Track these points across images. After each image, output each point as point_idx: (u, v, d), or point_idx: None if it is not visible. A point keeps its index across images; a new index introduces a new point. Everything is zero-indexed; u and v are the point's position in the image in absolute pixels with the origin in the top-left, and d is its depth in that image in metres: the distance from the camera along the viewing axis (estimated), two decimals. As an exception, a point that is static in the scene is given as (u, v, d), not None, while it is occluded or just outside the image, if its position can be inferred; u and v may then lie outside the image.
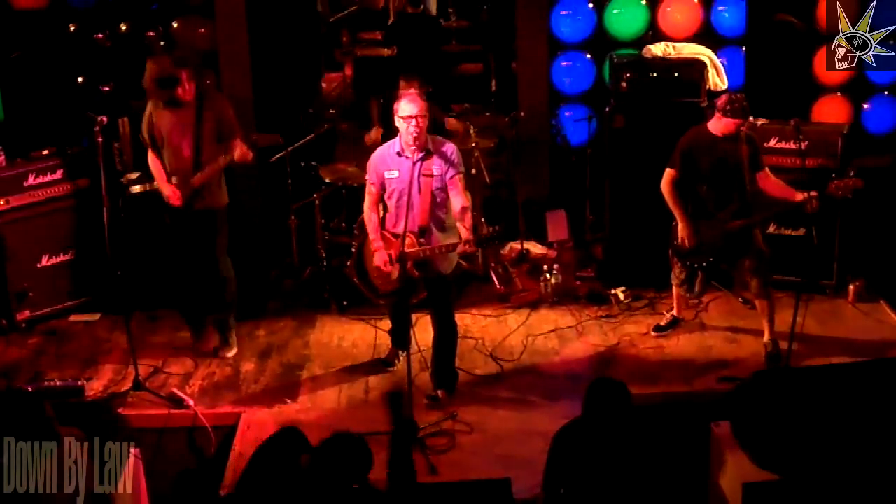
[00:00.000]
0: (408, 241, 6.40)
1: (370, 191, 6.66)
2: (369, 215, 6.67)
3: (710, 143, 6.95)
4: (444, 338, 6.80)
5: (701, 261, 7.16)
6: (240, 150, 6.90)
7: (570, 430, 5.25)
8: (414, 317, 6.98)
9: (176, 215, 7.03)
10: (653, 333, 7.49)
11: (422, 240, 6.47)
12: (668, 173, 7.03)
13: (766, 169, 7.04)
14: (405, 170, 6.47)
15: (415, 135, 6.38)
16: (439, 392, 6.76)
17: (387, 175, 6.55)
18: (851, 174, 7.31)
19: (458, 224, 6.47)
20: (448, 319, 6.81)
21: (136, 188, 7.86)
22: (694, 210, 7.05)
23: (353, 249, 7.41)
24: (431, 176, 6.43)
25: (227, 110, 6.99)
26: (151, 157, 7.05)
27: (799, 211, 6.92)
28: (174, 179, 6.96)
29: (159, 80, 6.79)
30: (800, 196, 6.85)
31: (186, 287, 7.29)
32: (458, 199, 6.47)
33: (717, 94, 8.17)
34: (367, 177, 6.69)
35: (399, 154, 6.51)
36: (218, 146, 6.91)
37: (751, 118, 7.36)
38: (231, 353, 7.39)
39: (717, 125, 6.94)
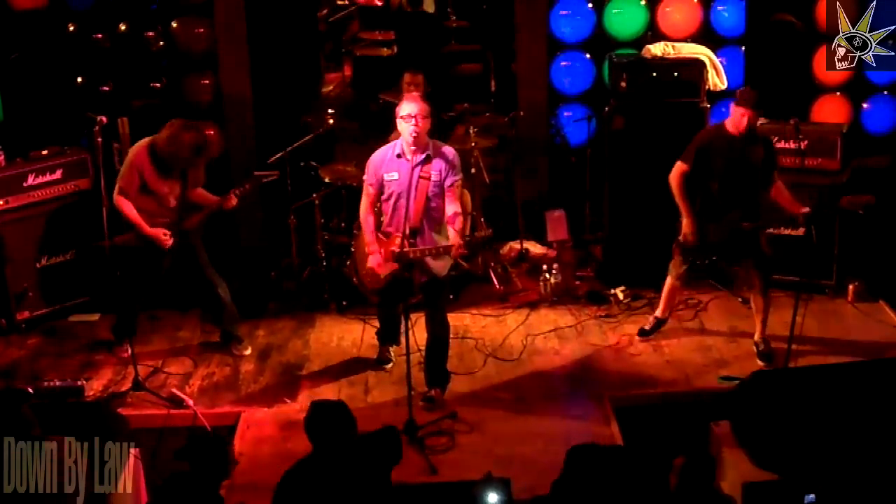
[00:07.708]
0: (397, 242, 6.40)
1: (367, 192, 6.65)
2: (366, 217, 6.67)
3: (728, 142, 6.89)
4: (436, 340, 6.79)
5: (704, 258, 7.14)
6: (231, 203, 7.15)
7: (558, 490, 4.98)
8: (413, 317, 6.96)
9: (166, 254, 7.06)
10: (637, 338, 7.45)
11: (412, 240, 6.43)
12: (679, 166, 6.96)
13: (776, 173, 7.00)
14: (404, 172, 6.45)
15: (414, 135, 6.37)
16: (433, 392, 6.76)
17: (386, 177, 6.54)
18: (864, 200, 6.94)
19: (448, 228, 6.46)
20: (440, 321, 6.79)
21: None
22: (702, 207, 7.01)
23: (353, 249, 7.41)
24: (429, 179, 6.42)
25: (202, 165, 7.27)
26: (128, 206, 6.92)
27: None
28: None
29: (197, 146, 6.91)
30: (803, 210, 6.83)
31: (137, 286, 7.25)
32: (452, 206, 6.47)
33: (717, 94, 8.20)
34: (364, 177, 6.68)
35: (399, 156, 6.50)
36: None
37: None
38: (248, 351, 7.45)
39: (732, 120, 6.88)
